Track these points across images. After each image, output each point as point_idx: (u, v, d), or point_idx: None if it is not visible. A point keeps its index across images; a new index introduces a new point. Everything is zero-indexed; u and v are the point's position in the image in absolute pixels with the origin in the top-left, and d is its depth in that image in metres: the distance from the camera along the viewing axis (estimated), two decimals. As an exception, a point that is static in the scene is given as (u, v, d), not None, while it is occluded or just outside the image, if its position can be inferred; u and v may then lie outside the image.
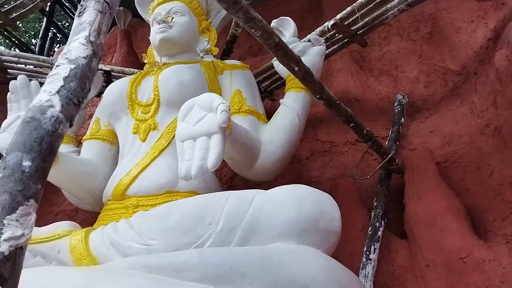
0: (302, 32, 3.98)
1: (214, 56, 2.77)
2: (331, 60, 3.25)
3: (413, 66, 3.10)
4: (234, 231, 1.38)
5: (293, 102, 2.30)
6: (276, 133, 2.22)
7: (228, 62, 2.60)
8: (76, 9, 3.09)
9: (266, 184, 2.45)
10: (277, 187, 1.59)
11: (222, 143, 1.66)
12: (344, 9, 3.60)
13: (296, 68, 1.68)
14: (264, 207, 1.43)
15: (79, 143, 2.80)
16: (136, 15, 3.51)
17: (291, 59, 1.64)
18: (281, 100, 2.39)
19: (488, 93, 2.44)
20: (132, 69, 3.19)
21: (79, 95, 0.73)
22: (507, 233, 2.10)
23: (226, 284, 1.15)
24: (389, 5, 2.52)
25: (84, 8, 0.86)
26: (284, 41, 2.50)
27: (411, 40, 3.21)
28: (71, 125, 0.70)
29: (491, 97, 2.41)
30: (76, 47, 0.77)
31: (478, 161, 2.44)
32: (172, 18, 2.62)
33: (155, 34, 2.61)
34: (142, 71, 2.64)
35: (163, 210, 1.60)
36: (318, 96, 1.86)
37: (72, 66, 0.74)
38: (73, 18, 0.90)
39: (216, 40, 2.84)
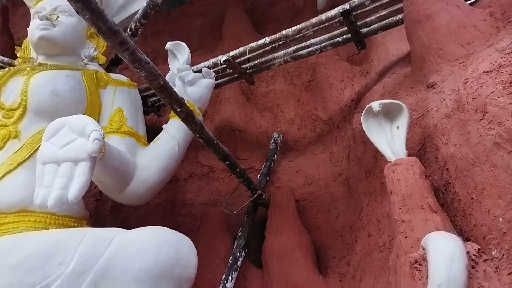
0: (197, 51, 4.05)
1: (100, 65, 2.63)
2: (222, 88, 3.38)
3: (291, 108, 3.43)
4: (85, 274, 1.33)
5: (176, 130, 2.34)
6: (154, 160, 2.22)
7: (114, 76, 2.50)
8: None
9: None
10: (139, 228, 1.58)
11: (89, 172, 1.57)
12: (242, 39, 3.82)
13: (179, 109, 1.73)
14: (122, 250, 1.42)
15: None
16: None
17: (175, 101, 1.69)
18: (164, 126, 2.41)
19: (345, 147, 2.85)
20: (5, 59, 2.83)
21: None
22: (341, 272, 2.48)
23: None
24: (276, 54, 2.77)
25: None
26: (175, 67, 2.56)
27: (293, 84, 3.54)
28: None
29: (346, 151, 2.83)
30: None
31: (329, 203, 2.83)
32: (58, 17, 2.41)
33: (35, 30, 2.37)
34: (11, 68, 2.36)
35: (9, 243, 1.45)
36: (198, 136, 1.94)
37: None
38: None
39: (105, 48, 2.71)
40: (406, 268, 1.58)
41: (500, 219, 1.36)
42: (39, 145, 2.00)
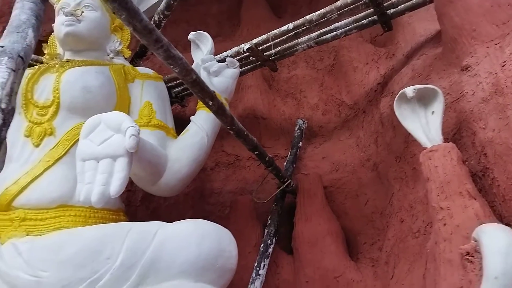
0: (216, 38, 4.03)
1: (125, 58, 2.65)
2: (244, 76, 3.37)
3: (314, 93, 3.40)
4: (133, 268, 1.39)
5: (204, 122, 2.35)
6: (184, 151, 2.24)
7: (141, 70, 2.51)
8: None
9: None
10: (181, 221, 1.62)
11: (128, 168, 1.63)
12: (260, 24, 3.77)
13: (210, 103, 1.74)
14: (166, 244, 1.46)
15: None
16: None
17: (207, 95, 1.70)
18: (191, 118, 2.42)
19: (372, 132, 2.82)
20: (33, 56, 2.87)
21: (-13, 175, 0.69)
22: (373, 257, 2.49)
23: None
24: (299, 40, 2.73)
25: (-4, 64, 0.80)
26: (200, 58, 2.55)
27: (315, 69, 3.49)
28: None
29: (374, 136, 2.80)
30: (-14, 118, 0.72)
31: (357, 189, 2.82)
32: (82, 12, 2.42)
33: (60, 26, 2.39)
34: (41, 65, 2.40)
35: (57, 240, 1.51)
36: (228, 128, 1.95)
37: (-18, 143, 0.69)
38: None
39: (129, 41, 2.71)
40: (446, 255, 1.58)
41: (545, 205, 1.34)
42: (75, 141, 2.07)
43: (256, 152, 2.24)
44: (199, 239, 1.49)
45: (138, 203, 3.10)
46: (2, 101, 0.75)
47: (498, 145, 1.55)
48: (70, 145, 2.06)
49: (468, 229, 1.55)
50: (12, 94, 0.78)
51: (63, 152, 2.04)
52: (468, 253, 1.03)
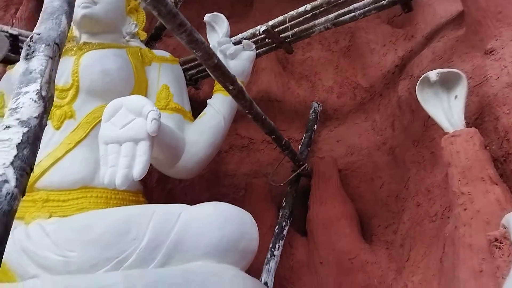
0: (229, 19, 3.97)
1: (141, 41, 2.64)
2: (258, 58, 3.34)
3: (329, 76, 3.36)
4: (158, 248, 1.43)
5: (221, 105, 2.36)
6: (202, 135, 2.26)
7: (157, 53, 2.51)
8: None
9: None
10: (202, 204, 1.65)
11: (150, 151, 1.66)
12: (273, 4, 3.71)
13: (231, 87, 1.73)
14: (190, 226, 1.50)
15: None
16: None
17: (227, 79, 1.69)
18: (208, 101, 2.43)
19: (389, 115, 2.80)
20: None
21: (32, 162, 0.71)
22: (388, 240, 2.51)
23: (151, 307, 1.21)
24: (316, 22, 2.69)
25: (33, 51, 0.80)
26: (216, 40, 2.53)
27: (330, 51, 3.45)
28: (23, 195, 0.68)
29: (390, 119, 2.77)
30: (27, 105, 0.73)
31: (372, 173, 2.82)
32: (98, -6, 2.41)
33: (77, 8, 2.37)
34: (58, 48, 2.40)
35: (84, 220, 1.56)
36: (247, 111, 1.95)
37: (25, 130, 0.70)
38: None
39: (144, 23, 2.70)
40: (466, 240, 1.58)
41: None
42: (95, 124, 2.10)
43: (273, 136, 2.24)
44: (222, 222, 1.53)
45: (154, 184, 3.15)
46: (42, 89, 0.76)
47: (523, 130, 1.53)
48: (90, 128, 2.09)
49: (489, 214, 1.56)
50: (50, 81, 0.79)
51: (84, 135, 2.08)
52: (496, 239, 1.04)
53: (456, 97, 1.76)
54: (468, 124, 1.79)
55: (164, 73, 2.40)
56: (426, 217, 2.19)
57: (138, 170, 1.59)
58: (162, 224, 1.48)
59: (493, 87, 1.73)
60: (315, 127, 3.06)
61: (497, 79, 1.71)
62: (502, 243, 1.01)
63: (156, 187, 3.15)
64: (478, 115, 1.87)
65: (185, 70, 3.09)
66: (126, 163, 1.60)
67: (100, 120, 1.89)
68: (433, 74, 1.76)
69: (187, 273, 1.37)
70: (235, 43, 2.63)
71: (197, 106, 2.56)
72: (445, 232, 1.80)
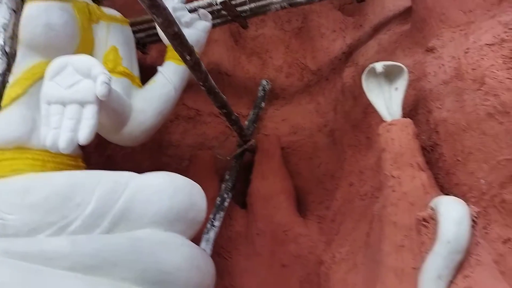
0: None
1: (87, -5, 2.45)
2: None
3: (280, 55, 3.41)
4: (104, 216, 1.40)
5: (172, 74, 2.31)
6: (151, 103, 2.21)
7: (107, 11, 2.34)
8: None
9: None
10: (152, 173, 1.64)
11: (98, 115, 1.61)
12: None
13: (188, 58, 1.71)
14: (138, 195, 1.49)
15: None
16: None
17: (186, 49, 1.67)
18: (159, 68, 2.36)
19: (332, 99, 2.94)
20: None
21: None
22: (320, 215, 2.70)
23: (97, 273, 1.20)
24: (274, 0, 2.70)
25: (-9, -2, 0.74)
26: (171, 6, 2.44)
27: (283, 30, 3.49)
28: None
29: (333, 103, 2.93)
30: (-14, 56, 0.68)
31: (312, 152, 2.98)
32: None
33: None
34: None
35: (25, 183, 1.47)
36: (201, 84, 1.94)
37: (-15, 84, 0.66)
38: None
39: (92, -25, 2.50)
40: (392, 218, 1.78)
41: (482, 180, 1.55)
42: (34, 81, 1.94)
43: (224, 110, 2.26)
44: (172, 192, 1.54)
45: (92, 149, 3.01)
46: (6, 44, 0.71)
47: (451, 124, 1.73)
48: (28, 84, 1.93)
49: (414, 196, 1.76)
50: (14, 36, 0.74)
51: (21, 91, 1.91)
52: (424, 219, 1.19)
53: (396, 88, 1.92)
54: (404, 115, 1.96)
55: (113, 34, 2.27)
56: (357, 196, 2.39)
57: (85, 134, 1.53)
58: (109, 191, 1.45)
59: (430, 83, 1.91)
60: (263, 105, 3.13)
61: (434, 76, 1.89)
62: (428, 222, 1.17)
63: (94, 152, 3.01)
64: (413, 107, 2.06)
65: (133, 33, 2.95)
66: (71, 126, 1.53)
67: (40, 77, 1.77)
68: (379, 66, 1.89)
69: (135, 241, 1.37)
70: (190, 11, 2.56)
71: (143, 72, 2.47)
72: (374, 210, 1.99)
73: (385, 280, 1.65)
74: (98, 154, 3.06)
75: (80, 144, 1.53)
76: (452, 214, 1.11)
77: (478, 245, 1.10)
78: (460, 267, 1.08)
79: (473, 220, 1.12)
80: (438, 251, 1.10)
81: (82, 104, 1.57)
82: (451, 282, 1.08)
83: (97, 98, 1.57)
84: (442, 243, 1.09)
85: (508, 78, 1.48)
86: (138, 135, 2.18)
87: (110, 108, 1.89)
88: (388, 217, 1.79)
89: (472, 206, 1.17)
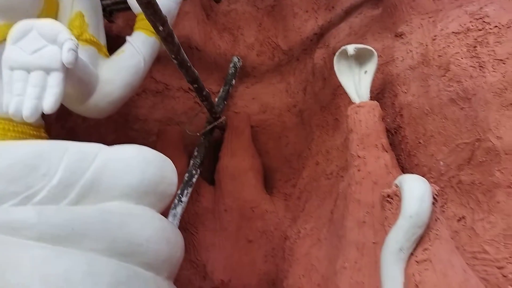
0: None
1: (51, -45, 2.29)
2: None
3: (251, 32, 3.38)
4: (72, 187, 1.36)
5: (142, 45, 2.23)
6: (118, 73, 2.13)
7: (72, -26, 2.21)
8: None
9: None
10: (122, 146, 1.60)
11: (63, 83, 1.54)
12: None
13: (161, 28, 1.66)
14: (108, 166, 1.45)
15: None
16: None
17: (159, 19, 1.61)
18: (128, 38, 2.27)
19: (302, 80, 2.98)
20: None
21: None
22: (287, 193, 2.77)
23: (65, 243, 1.18)
24: (249, -26, 2.66)
25: None
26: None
27: (256, 7, 3.44)
28: None
29: (303, 84, 2.96)
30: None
31: (280, 132, 3.02)
32: None
33: None
34: None
35: (-17, 151, 1.39)
36: (173, 57, 1.90)
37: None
38: None
39: None
40: (356, 195, 1.86)
41: (441, 162, 1.65)
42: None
43: (195, 85, 2.23)
44: (143, 165, 1.52)
45: (52, 120, 2.89)
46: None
47: (415, 108, 1.81)
48: None
49: (378, 176, 1.84)
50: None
51: None
52: (389, 196, 1.26)
53: (366, 72, 1.97)
54: (371, 98, 2.03)
55: (80, -1, 2.15)
56: (323, 175, 2.47)
57: (50, 102, 1.48)
58: (77, 162, 1.40)
59: (397, 68, 1.98)
60: (233, 82, 3.11)
61: (402, 61, 1.96)
62: (392, 199, 1.24)
63: (56, 124, 2.89)
64: (380, 91, 2.13)
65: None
66: (36, 93, 1.46)
67: (2, 41, 1.67)
68: (351, 48, 1.93)
69: (105, 213, 1.35)
70: (162, -20, 2.46)
71: (109, 41, 2.38)
72: (339, 188, 2.07)
73: (347, 253, 1.74)
74: (60, 126, 2.95)
75: (45, 112, 1.47)
76: (415, 191, 1.18)
77: (437, 221, 1.19)
78: (420, 241, 1.17)
79: (434, 198, 1.20)
80: (400, 225, 1.18)
81: (47, 71, 1.51)
82: (411, 254, 1.17)
83: (63, 65, 1.51)
84: (404, 218, 1.17)
85: (472, 66, 1.56)
86: (104, 106, 2.11)
87: (76, 77, 1.81)
88: (352, 195, 1.87)
89: (433, 185, 1.25)
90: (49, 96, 1.48)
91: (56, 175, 1.36)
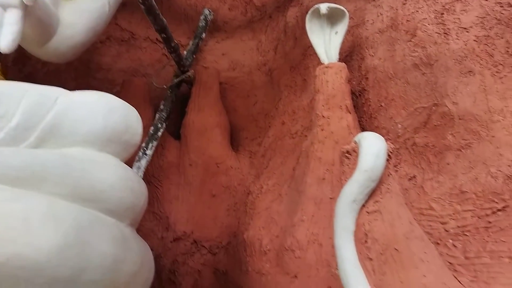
0: None
1: None
2: None
3: (225, -15, 3.26)
4: (31, 130, 1.32)
5: (107, -13, 2.11)
6: (80, 16, 2.02)
7: None
8: None
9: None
10: (84, 91, 1.55)
11: (22, 22, 1.46)
12: None
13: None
14: (70, 110, 1.41)
15: None
16: None
17: (126, -42, 1.52)
18: (92, -21, 2.13)
19: (274, 38, 2.95)
20: None
21: None
22: (252, 151, 2.81)
23: (25, 186, 1.15)
24: None
25: None
26: None
27: (231, -43, 3.30)
28: None
29: (274, 42, 2.93)
30: None
31: (249, 90, 3.02)
32: None
33: None
34: None
35: None
36: (140, 1, 1.81)
37: None
38: None
39: None
40: (318, 153, 1.93)
41: (399, 125, 1.73)
42: None
43: (163, 35, 2.16)
44: (106, 111, 1.48)
45: (9, 63, 2.72)
46: None
47: (380, 72, 1.86)
48: None
49: (339, 135, 1.91)
50: None
51: None
52: (348, 152, 1.32)
53: (336, 32, 1.98)
54: (339, 59, 2.05)
55: None
56: (288, 134, 2.52)
57: (8, 41, 1.40)
58: (36, 105, 1.35)
59: (367, 31, 2.00)
60: (203, 36, 3.03)
61: (372, 24, 1.98)
62: (351, 154, 1.30)
63: (12, 67, 2.73)
64: (348, 53, 2.16)
65: None
66: None
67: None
68: (323, 7, 1.92)
69: (67, 158, 1.32)
70: None
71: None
72: (302, 147, 2.13)
73: (305, 207, 1.83)
74: (17, 70, 2.79)
75: (2, 51, 1.39)
76: (372, 147, 1.25)
77: (390, 176, 1.27)
78: (372, 194, 1.25)
79: (389, 155, 1.27)
80: (356, 178, 1.25)
81: (4, 7, 1.42)
82: (363, 206, 1.25)
83: (22, 2, 1.43)
84: (360, 172, 1.23)
85: (437, 33, 1.61)
86: (65, 51, 2.01)
87: (35, 16, 1.71)
88: (314, 153, 1.94)
89: (389, 143, 1.32)
90: (7, 35, 1.41)
91: (14, 117, 1.31)
